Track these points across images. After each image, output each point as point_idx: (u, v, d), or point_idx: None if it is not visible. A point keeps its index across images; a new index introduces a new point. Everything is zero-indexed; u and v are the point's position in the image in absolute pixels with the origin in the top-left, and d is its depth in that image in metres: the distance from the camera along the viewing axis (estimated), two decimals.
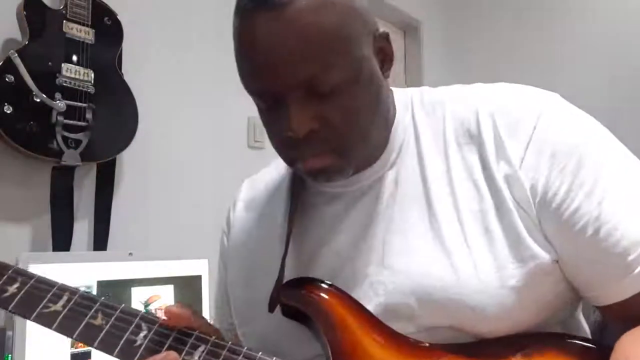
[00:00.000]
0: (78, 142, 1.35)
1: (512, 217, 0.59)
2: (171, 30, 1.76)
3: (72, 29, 1.38)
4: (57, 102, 1.31)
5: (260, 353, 0.60)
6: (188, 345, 0.59)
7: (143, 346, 0.58)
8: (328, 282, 0.65)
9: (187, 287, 1.37)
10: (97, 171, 1.49)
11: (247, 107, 2.00)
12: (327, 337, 0.61)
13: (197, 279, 1.39)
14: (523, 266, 0.58)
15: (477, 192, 0.61)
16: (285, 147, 0.64)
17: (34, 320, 0.60)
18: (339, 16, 0.57)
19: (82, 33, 1.40)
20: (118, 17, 1.49)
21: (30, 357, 1.05)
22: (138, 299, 1.26)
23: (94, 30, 1.42)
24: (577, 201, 0.57)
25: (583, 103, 0.72)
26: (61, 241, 1.38)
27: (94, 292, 1.18)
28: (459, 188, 0.62)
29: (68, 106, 1.33)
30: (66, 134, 1.33)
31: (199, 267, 1.39)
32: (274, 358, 0.60)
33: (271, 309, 0.65)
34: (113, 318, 0.59)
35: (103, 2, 1.47)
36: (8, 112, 1.24)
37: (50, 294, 0.61)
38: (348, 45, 0.58)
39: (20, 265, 1.07)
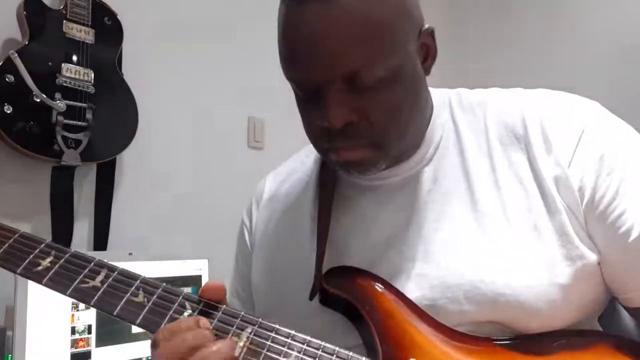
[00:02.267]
0: (78, 142, 1.35)
1: (561, 216, 0.59)
2: (171, 30, 1.76)
3: (72, 29, 1.38)
4: (57, 102, 1.31)
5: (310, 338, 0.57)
6: (235, 326, 0.56)
7: None
8: (370, 271, 0.64)
9: (187, 287, 1.37)
10: (97, 171, 1.49)
11: (247, 107, 2.02)
12: (374, 325, 0.60)
13: (197, 279, 1.39)
14: (571, 265, 0.58)
15: (525, 191, 0.61)
16: (320, 137, 0.64)
17: (70, 296, 0.57)
18: (388, 12, 0.57)
19: (82, 33, 1.40)
20: (118, 17, 1.49)
21: (30, 357, 1.05)
22: None
23: (94, 30, 1.42)
24: (623, 205, 0.58)
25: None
26: (61, 241, 1.38)
27: None
28: (504, 186, 0.62)
29: (68, 106, 1.33)
30: (66, 134, 1.33)
31: (199, 267, 1.39)
32: (313, 341, 0.57)
33: (312, 296, 0.64)
34: (155, 296, 0.57)
35: (103, 2, 1.47)
36: (8, 112, 1.24)
37: (87, 269, 0.58)
38: (394, 42, 0.58)
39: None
